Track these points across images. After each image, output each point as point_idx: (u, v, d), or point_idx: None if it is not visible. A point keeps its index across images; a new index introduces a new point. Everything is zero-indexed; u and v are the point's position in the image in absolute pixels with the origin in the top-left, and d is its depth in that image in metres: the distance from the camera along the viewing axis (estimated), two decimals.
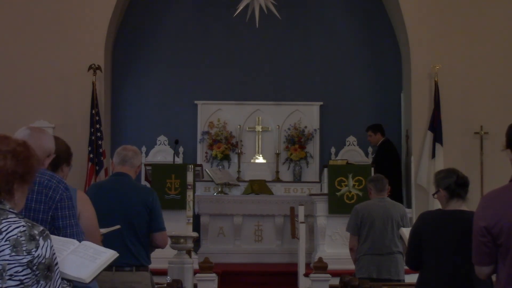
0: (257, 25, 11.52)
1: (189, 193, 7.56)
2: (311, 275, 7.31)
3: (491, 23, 10.76)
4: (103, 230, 3.99)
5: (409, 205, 10.23)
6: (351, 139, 12.09)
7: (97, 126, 10.30)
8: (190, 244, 6.96)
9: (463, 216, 4.22)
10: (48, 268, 2.26)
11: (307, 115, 12.17)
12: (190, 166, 7.94)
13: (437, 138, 10.42)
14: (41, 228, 2.31)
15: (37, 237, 2.25)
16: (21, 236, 2.23)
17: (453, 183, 4.28)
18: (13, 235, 2.23)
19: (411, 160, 10.56)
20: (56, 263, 2.32)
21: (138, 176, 10.01)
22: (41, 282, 2.24)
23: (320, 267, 7.19)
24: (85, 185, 9.83)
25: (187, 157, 11.92)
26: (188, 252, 7.17)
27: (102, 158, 10.26)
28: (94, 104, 10.36)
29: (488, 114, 10.58)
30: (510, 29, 10.77)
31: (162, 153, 11.99)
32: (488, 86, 10.66)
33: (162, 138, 12.04)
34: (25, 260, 2.21)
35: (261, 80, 12.23)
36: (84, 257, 3.11)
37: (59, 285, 2.33)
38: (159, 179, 8.97)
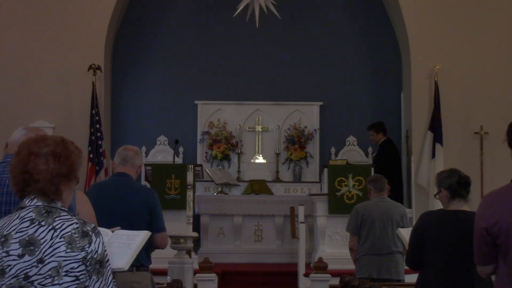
0: (257, 25, 11.53)
1: (189, 193, 7.56)
2: (311, 275, 7.31)
3: (491, 23, 10.77)
4: None
5: (409, 205, 10.24)
6: (351, 139, 12.09)
7: (97, 126, 10.31)
8: (190, 244, 6.95)
9: (465, 216, 4.22)
10: (100, 263, 2.31)
11: (307, 115, 12.17)
12: (190, 166, 7.93)
13: (437, 138, 10.43)
14: (93, 225, 2.36)
15: (90, 233, 2.31)
16: (75, 233, 2.28)
17: (455, 183, 4.28)
18: (67, 232, 2.28)
19: (411, 160, 10.56)
20: (108, 260, 2.36)
21: (138, 176, 9.99)
22: (93, 277, 2.29)
23: (320, 267, 7.20)
24: (85, 185, 9.83)
25: (187, 157, 11.92)
26: (188, 252, 7.17)
27: (102, 158, 10.27)
28: (94, 104, 10.36)
29: (488, 114, 10.58)
30: (510, 29, 10.77)
31: (162, 153, 11.99)
32: (488, 86, 10.66)
33: (162, 138, 12.04)
34: (79, 256, 2.26)
35: (261, 80, 12.23)
36: (119, 246, 3.14)
37: (111, 281, 2.38)
38: (159, 179, 8.97)
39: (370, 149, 11.89)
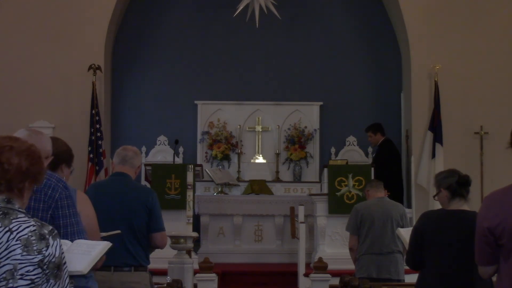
0: (257, 25, 11.53)
1: (189, 193, 7.56)
2: (311, 275, 7.31)
3: (491, 23, 10.76)
4: (103, 234, 3.99)
5: (409, 205, 10.24)
6: (351, 139, 12.08)
7: (97, 126, 10.31)
8: (190, 244, 6.95)
9: (465, 216, 4.22)
10: (57, 267, 2.28)
11: (307, 115, 12.16)
12: (190, 166, 7.92)
13: (437, 138, 10.42)
14: (50, 227, 2.33)
15: (47, 236, 2.27)
16: (31, 236, 2.25)
17: (454, 183, 4.28)
18: (24, 235, 2.24)
19: (411, 160, 10.56)
20: (65, 262, 2.34)
21: (138, 176, 10.01)
22: (51, 280, 2.26)
23: (320, 267, 7.20)
24: (85, 185, 9.83)
25: (187, 157, 11.92)
26: (188, 252, 7.17)
27: (102, 158, 10.27)
28: (94, 104, 10.36)
29: (488, 114, 10.58)
30: (510, 29, 10.77)
31: (162, 153, 11.99)
32: (488, 86, 10.66)
33: (162, 138, 12.04)
34: (36, 260, 2.23)
35: (261, 80, 12.22)
36: (78, 253, 3.15)
37: (67, 284, 2.35)
38: (159, 179, 8.97)
39: (370, 149, 11.88)
